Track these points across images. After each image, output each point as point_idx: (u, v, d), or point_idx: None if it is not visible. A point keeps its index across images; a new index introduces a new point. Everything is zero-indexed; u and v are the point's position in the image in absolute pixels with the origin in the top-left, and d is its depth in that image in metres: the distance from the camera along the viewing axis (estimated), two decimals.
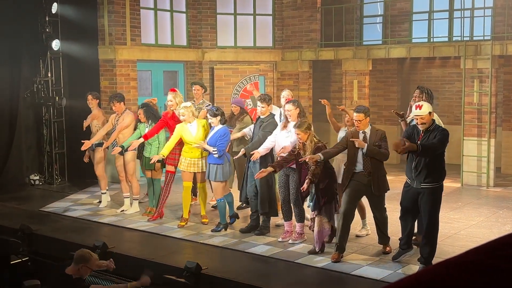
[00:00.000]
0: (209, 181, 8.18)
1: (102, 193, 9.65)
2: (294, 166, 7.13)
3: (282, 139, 7.31)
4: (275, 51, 13.28)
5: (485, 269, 0.81)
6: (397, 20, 13.36)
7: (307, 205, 7.09)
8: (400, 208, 6.59)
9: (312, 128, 7.04)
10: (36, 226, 8.10)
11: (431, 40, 12.56)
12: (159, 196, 8.65)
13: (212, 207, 8.94)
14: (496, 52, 10.73)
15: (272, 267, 6.72)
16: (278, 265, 6.71)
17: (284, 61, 13.26)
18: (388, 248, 6.89)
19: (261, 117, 7.80)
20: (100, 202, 9.59)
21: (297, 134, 6.83)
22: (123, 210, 9.14)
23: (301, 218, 7.33)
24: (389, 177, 7.44)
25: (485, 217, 8.59)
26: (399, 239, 6.68)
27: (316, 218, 6.78)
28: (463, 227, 8.04)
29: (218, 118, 7.87)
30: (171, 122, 8.43)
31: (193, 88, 9.56)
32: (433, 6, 12.81)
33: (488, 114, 10.83)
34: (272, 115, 7.86)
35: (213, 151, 7.75)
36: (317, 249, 6.87)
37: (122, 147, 8.73)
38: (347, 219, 6.60)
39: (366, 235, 7.53)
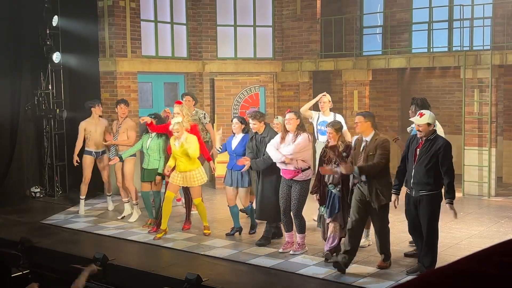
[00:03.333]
0: (235, 188, 8.13)
1: (107, 195, 10.13)
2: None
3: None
4: (275, 62, 13.32)
5: (476, 277, 0.80)
6: (397, 31, 13.41)
7: (322, 212, 7.08)
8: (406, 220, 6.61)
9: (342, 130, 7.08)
10: (36, 238, 8.08)
11: (431, 50, 12.59)
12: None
13: (241, 210, 8.61)
14: (496, 62, 10.75)
15: (273, 278, 6.69)
16: (279, 276, 6.68)
17: (284, 72, 13.29)
18: (381, 263, 6.67)
19: (258, 133, 7.74)
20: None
21: (329, 133, 6.87)
22: (123, 216, 9.36)
23: (301, 229, 7.31)
24: None
25: (487, 227, 8.56)
26: (418, 256, 6.59)
27: (332, 224, 6.81)
28: (465, 237, 8.01)
29: (243, 126, 8.10)
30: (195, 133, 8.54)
31: (183, 98, 9.59)
32: (433, 16, 12.85)
33: (488, 124, 10.83)
34: (268, 127, 7.85)
35: (246, 162, 7.70)
36: (326, 250, 6.94)
37: (120, 157, 8.85)
38: (358, 234, 6.63)
39: (368, 245, 7.49)
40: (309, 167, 7.19)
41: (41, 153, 11.76)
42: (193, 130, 8.39)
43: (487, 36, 11.81)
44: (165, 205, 8.20)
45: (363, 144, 6.57)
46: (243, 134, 8.08)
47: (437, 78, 13.64)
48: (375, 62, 12.28)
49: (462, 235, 8.12)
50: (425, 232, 6.29)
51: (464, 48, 11.48)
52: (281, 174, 7.34)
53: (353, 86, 12.55)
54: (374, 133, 6.56)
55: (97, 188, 10.86)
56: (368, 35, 13.94)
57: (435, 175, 6.17)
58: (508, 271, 0.78)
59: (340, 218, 6.82)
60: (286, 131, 7.27)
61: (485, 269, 0.79)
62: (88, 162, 9.85)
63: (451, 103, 13.53)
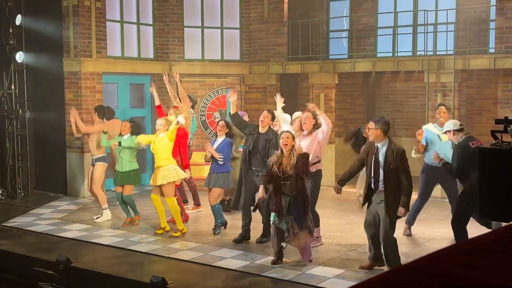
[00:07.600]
0: (209, 189, 8.38)
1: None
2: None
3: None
4: (243, 64, 13.33)
5: (433, 276, 0.81)
6: (363, 35, 13.56)
7: (272, 221, 7.00)
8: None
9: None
10: None
11: (396, 55, 12.77)
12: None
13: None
14: (458, 67, 10.96)
15: (239, 280, 6.68)
16: (246, 278, 6.68)
17: (251, 74, 13.31)
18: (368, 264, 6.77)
19: (261, 132, 7.86)
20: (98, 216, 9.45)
21: (287, 138, 6.82)
22: (98, 217, 9.34)
23: (316, 222, 7.50)
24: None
25: (449, 229, 8.64)
26: None
27: (301, 234, 6.80)
28: (428, 238, 8.14)
29: (228, 130, 8.40)
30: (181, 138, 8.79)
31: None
32: (398, 21, 13.05)
33: None
34: (272, 130, 7.99)
35: (219, 157, 8.15)
36: (311, 259, 6.96)
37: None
38: (376, 240, 6.69)
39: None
40: (319, 160, 7.56)
41: (3, 155, 11.51)
42: (181, 134, 8.73)
43: (450, 41, 12.04)
44: (155, 206, 8.43)
45: (374, 150, 6.45)
46: (225, 138, 8.32)
47: (401, 82, 13.83)
48: (341, 65, 12.40)
49: (425, 236, 8.26)
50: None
51: (428, 53, 11.68)
52: None
53: (319, 89, 12.64)
54: (388, 140, 6.42)
55: (59, 190, 10.69)
56: (335, 39, 14.07)
57: None
58: (464, 270, 0.80)
59: (308, 224, 6.84)
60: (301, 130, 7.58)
61: (443, 268, 0.80)
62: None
63: (415, 107, 13.73)
